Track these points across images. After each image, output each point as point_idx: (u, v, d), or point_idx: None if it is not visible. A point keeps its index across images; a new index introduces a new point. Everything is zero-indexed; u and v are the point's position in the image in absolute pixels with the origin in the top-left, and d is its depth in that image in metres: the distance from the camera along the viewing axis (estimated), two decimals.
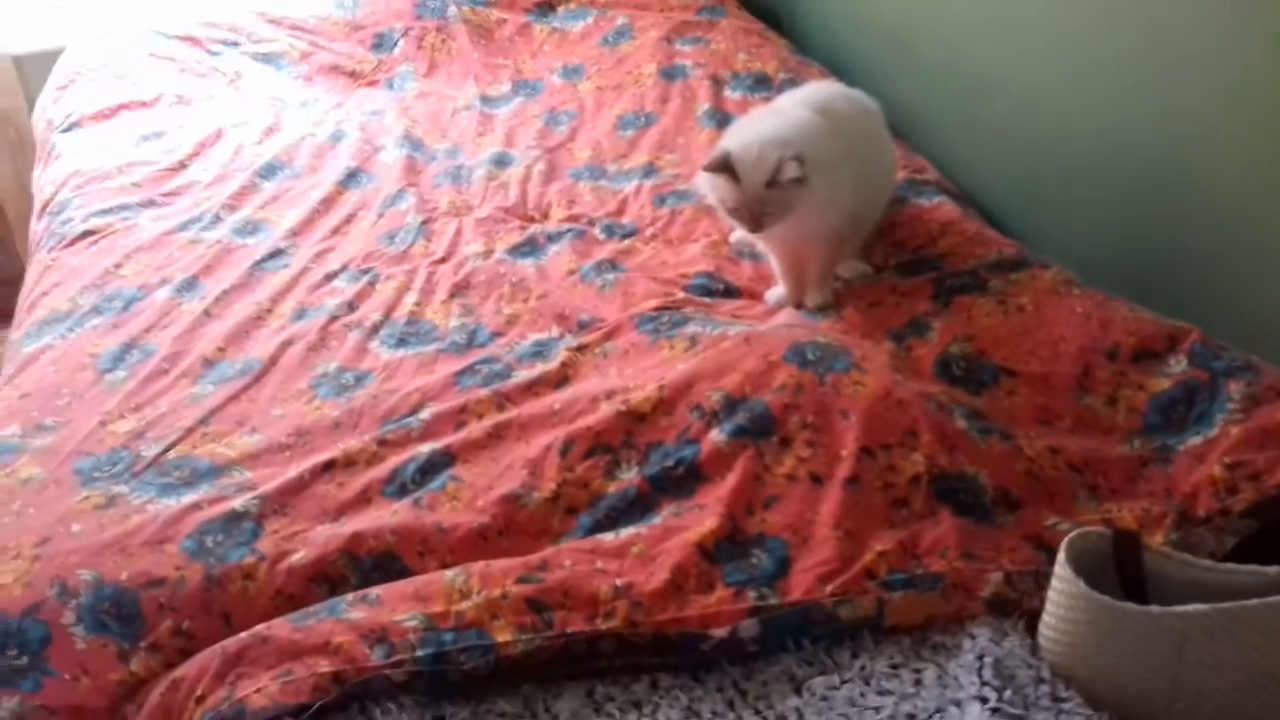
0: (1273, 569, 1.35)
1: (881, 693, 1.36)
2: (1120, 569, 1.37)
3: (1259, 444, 1.53)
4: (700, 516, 1.54)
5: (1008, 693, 1.33)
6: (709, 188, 1.92)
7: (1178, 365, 1.70)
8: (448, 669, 1.35)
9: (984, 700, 1.32)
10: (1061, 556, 1.36)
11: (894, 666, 1.39)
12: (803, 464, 1.61)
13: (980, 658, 1.38)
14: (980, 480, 1.59)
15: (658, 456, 1.64)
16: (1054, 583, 1.37)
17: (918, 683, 1.37)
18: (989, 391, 1.76)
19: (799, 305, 2.01)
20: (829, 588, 1.45)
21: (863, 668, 1.39)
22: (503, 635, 1.37)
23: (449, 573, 1.46)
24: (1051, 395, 1.74)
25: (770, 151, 1.82)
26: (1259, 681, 1.29)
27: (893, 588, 1.45)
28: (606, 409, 1.70)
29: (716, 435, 1.65)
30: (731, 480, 1.59)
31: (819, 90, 2.17)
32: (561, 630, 1.39)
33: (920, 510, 1.55)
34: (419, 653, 1.35)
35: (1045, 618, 1.40)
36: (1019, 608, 1.44)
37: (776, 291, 2.06)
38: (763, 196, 1.83)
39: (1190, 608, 1.28)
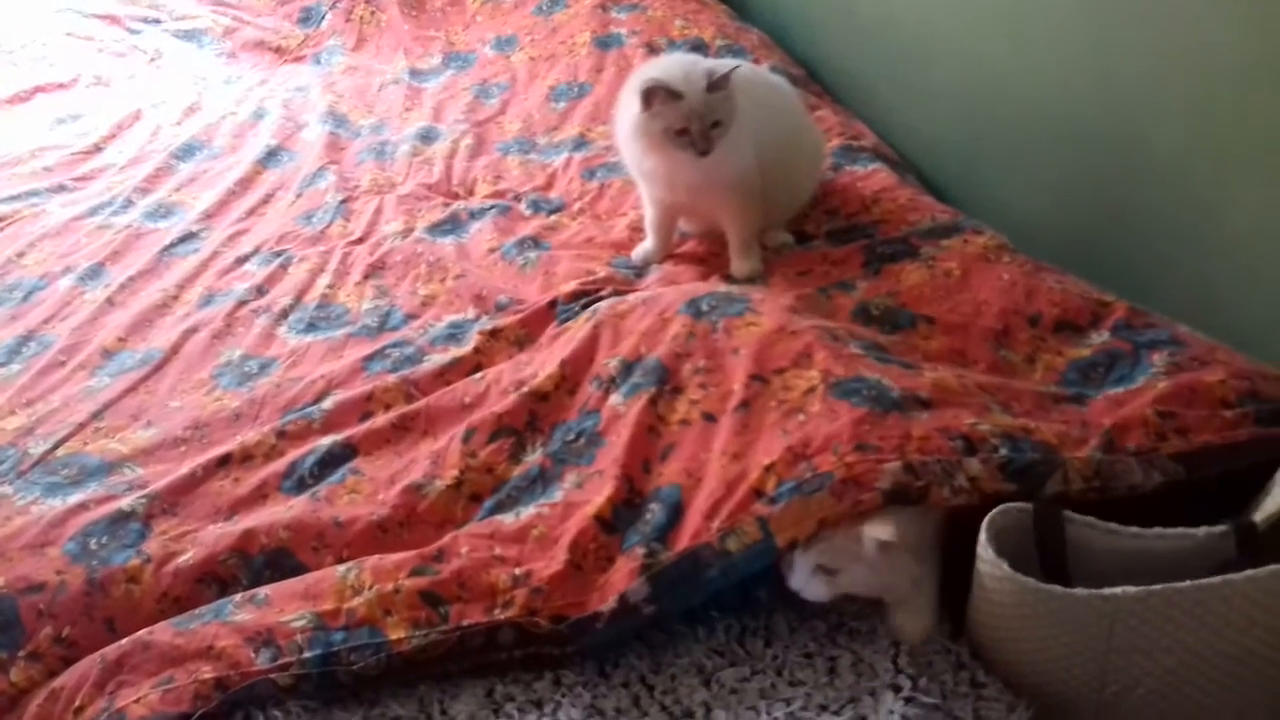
0: (1200, 530, 1.30)
1: (794, 683, 1.30)
2: (1041, 542, 1.31)
3: (1186, 401, 1.45)
4: (600, 483, 1.47)
5: (923, 680, 1.28)
6: (641, 132, 1.83)
7: (1099, 337, 1.64)
8: (337, 670, 1.28)
9: (898, 689, 1.27)
10: (983, 537, 1.30)
11: (808, 655, 1.34)
12: (695, 406, 1.54)
13: (895, 643, 1.33)
14: (884, 382, 1.49)
15: (560, 433, 1.58)
16: (978, 565, 1.31)
17: (831, 671, 1.32)
18: (904, 333, 1.70)
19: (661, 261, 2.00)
20: (715, 523, 1.37)
21: (775, 657, 1.34)
22: (396, 632, 1.31)
23: (341, 568, 1.39)
24: (968, 342, 1.67)
25: (691, 65, 1.81)
26: (1190, 664, 1.25)
27: (776, 500, 1.36)
28: (513, 398, 1.63)
29: (615, 400, 1.59)
30: (625, 437, 1.52)
31: (713, 61, 2.10)
32: (457, 624, 1.32)
33: (817, 412, 1.45)
34: (306, 654, 1.28)
35: (971, 599, 1.34)
36: (926, 496, 1.33)
37: (643, 247, 2.02)
38: (709, 102, 1.77)
39: (1119, 590, 1.23)
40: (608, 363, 1.64)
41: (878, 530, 1.30)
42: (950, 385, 1.52)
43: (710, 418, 1.52)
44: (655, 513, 1.42)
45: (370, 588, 1.35)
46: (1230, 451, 1.40)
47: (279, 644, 1.29)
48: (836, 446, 1.38)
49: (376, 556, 1.41)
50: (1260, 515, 1.30)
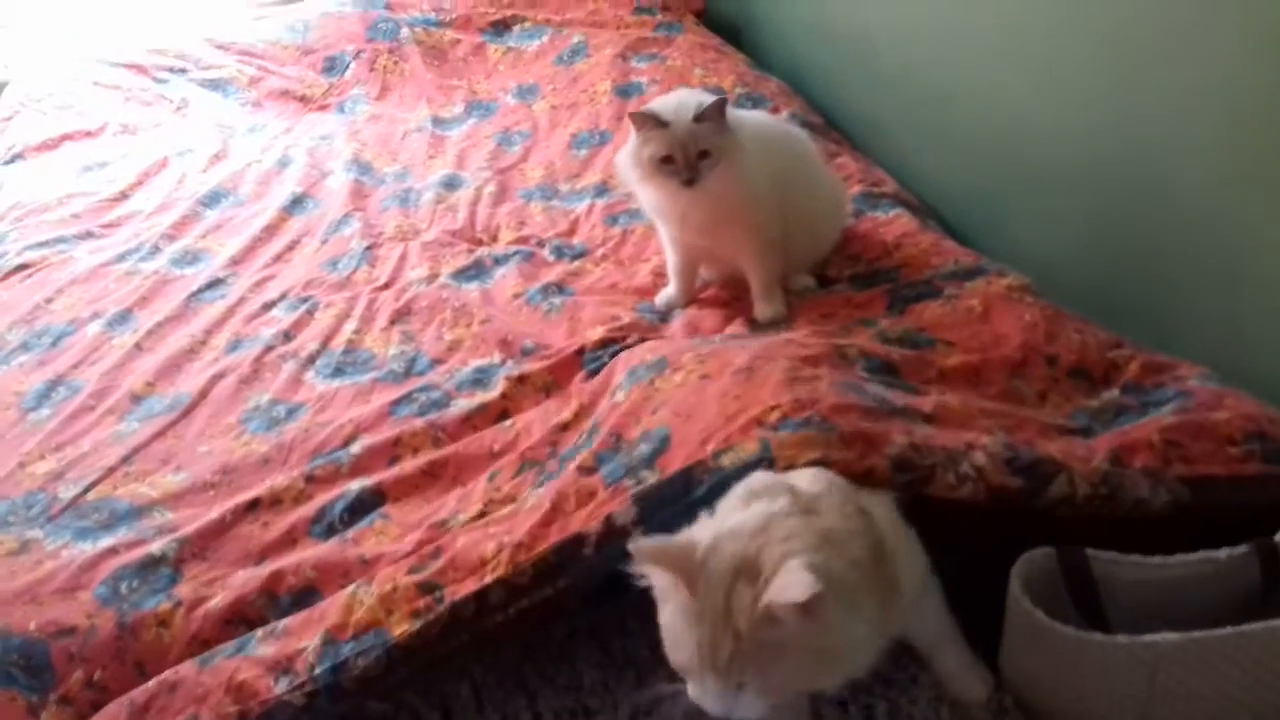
0: (1222, 553, 1.31)
1: None
2: (1070, 585, 1.31)
3: (1191, 435, 1.44)
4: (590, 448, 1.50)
5: None
6: (634, 160, 1.87)
7: (1108, 394, 1.62)
8: (342, 678, 1.27)
9: None
10: (1015, 588, 1.29)
11: (842, 704, 1.32)
12: (693, 373, 1.56)
13: (938, 695, 1.31)
14: (887, 396, 1.50)
15: (570, 448, 1.60)
16: (1010, 615, 1.30)
17: (868, 719, 1.30)
18: (922, 351, 1.70)
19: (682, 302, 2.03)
20: (711, 447, 1.35)
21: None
22: (399, 628, 1.29)
23: (351, 587, 1.38)
24: (985, 366, 1.66)
25: (688, 97, 1.86)
26: (1231, 712, 1.23)
27: (780, 429, 1.33)
28: (539, 434, 1.65)
29: (616, 397, 1.61)
30: (620, 410, 1.54)
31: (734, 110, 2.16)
32: (450, 602, 1.30)
33: (826, 388, 1.44)
34: (317, 670, 1.27)
35: (1005, 648, 1.33)
36: (931, 479, 1.31)
37: (666, 292, 2.04)
38: (695, 132, 1.80)
39: (1160, 637, 1.21)
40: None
41: (790, 591, 1.04)
42: (954, 407, 1.51)
43: (707, 378, 1.53)
44: (643, 448, 1.42)
45: (372, 594, 1.34)
46: (1236, 483, 1.39)
47: (296, 669, 1.28)
48: (846, 414, 1.38)
49: (384, 570, 1.41)
50: None
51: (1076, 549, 1.32)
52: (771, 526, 1.12)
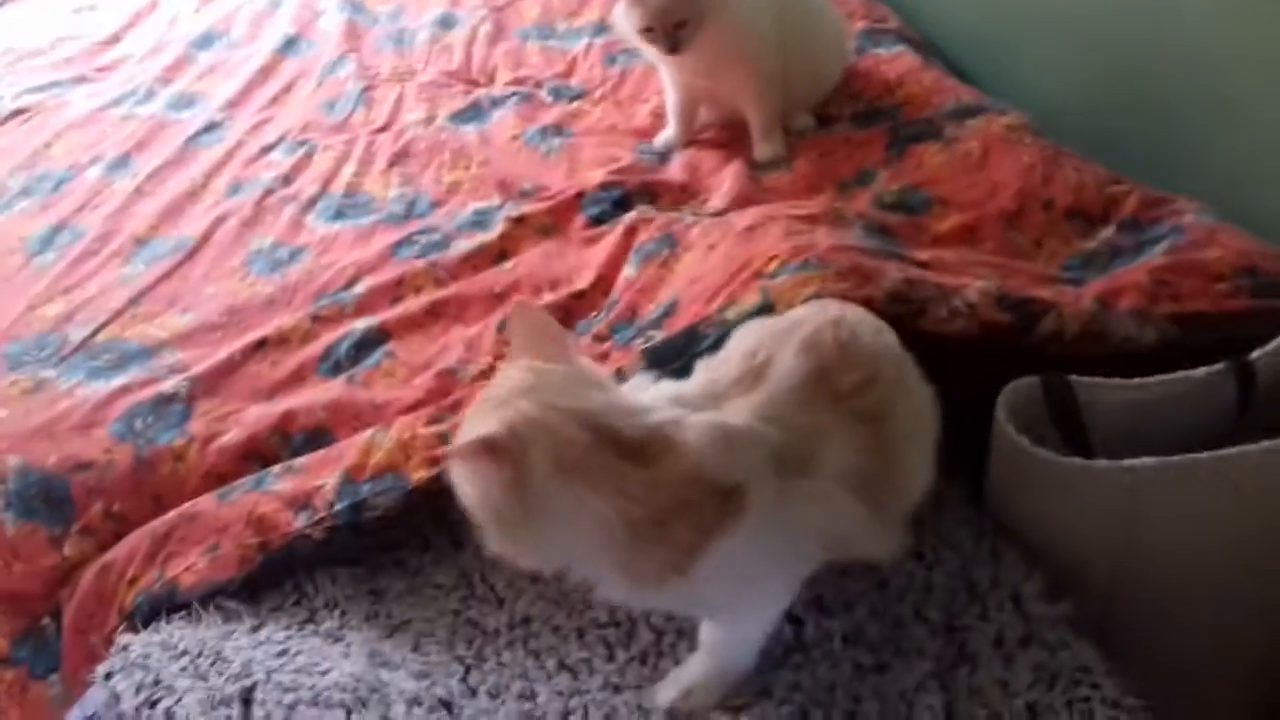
0: (1199, 371, 1.32)
1: None
2: (1054, 412, 1.34)
3: (1181, 274, 1.45)
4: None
5: (946, 550, 1.31)
6: (623, 24, 1.86)
7: (1106, 232, 1.62)
8: (364, 515, 1.31)
9: (920, 557, 1.30)
10: (1000, 415, 1.32)
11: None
12: (700, 247, 1.59)
13: (919, 518, 1.36)
14: (884, 245, 1.54)
15: (585, 322, 1.62)
16: (995, 443, 1.33)
17: None
18: (918, 216, 1.70)
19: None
20: (716, 304, 1.39)
21: None
22: (417, 473, 1.32)
23: (369, 431, 1.42)
24: (981, 223, 1.67)
25: None
26: (1209, 535, 1.27)
27: (778, 276, 1.38)
28: (549, 298, 1.66)
29: (628, 272, 1.64)
30: (634, 288, 1.57)
31: None
32: None
33: (825, 234, 1.49)
34: (336, 507, 1.31)
35: (991, 479, 1.37)
36: (923, 312, 1.34)
37: (665, 134, 2.03)
38: (669, 5, 1.77)
39: (1139, 461, 1.24)
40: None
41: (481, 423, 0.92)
42: (947, 259, 1.53)
43: (713, 247, 1.56)
44: (652, 311, 1.46)
45: (391, 439, 1.38)
46: (1224, 320, 1.40)
47: (314, 505, 1.32)
48: (844, 254, 1.42)
49: (402, 418, 1.44)
50: (1258, 353, 1.32)
51: (1061, 375, 1.33)
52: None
